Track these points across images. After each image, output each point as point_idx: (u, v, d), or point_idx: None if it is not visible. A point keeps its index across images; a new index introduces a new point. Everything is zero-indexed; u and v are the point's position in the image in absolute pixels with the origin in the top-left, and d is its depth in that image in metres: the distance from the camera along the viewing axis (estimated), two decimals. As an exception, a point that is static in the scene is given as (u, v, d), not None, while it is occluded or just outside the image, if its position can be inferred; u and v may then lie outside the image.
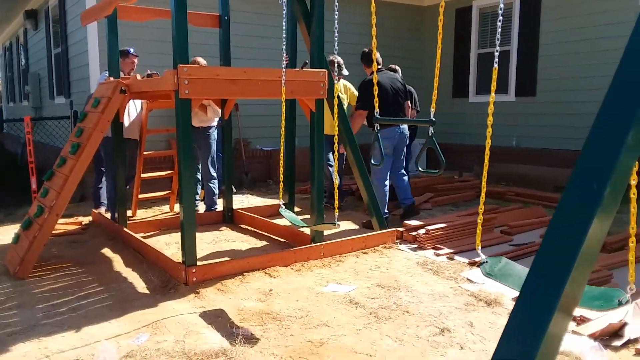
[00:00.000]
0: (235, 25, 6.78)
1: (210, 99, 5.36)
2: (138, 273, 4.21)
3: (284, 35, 3.72)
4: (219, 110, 5.64)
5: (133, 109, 5.57)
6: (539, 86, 8.78)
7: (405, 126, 5.79)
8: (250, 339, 3.04)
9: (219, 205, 6.16)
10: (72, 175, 4.20)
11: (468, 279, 3.99)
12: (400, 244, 4.97)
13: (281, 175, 3.89)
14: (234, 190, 7.41)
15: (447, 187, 7.22)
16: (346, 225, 5.72)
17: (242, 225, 5.78)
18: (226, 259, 4.24)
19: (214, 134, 5.98)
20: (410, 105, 6.12)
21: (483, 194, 2.38)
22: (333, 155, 6.58)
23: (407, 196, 5.91)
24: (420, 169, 2.99)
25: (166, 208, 6.65)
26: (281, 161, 3.87)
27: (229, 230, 5.62)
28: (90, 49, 7.26)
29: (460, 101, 10.13)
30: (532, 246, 4.72)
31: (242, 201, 7.15)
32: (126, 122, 5.50)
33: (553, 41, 8.47)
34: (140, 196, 6.13)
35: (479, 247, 2.56)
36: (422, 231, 4.86)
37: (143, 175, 5.99)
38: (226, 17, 5.40)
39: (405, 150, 5.96)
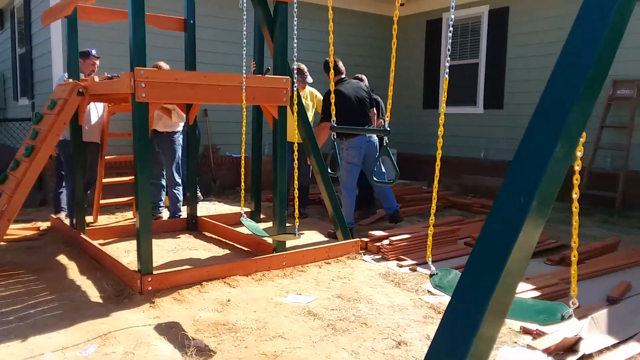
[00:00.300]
0: (204, 29, 6.72)
1: (169, 103, 5.25)
2: (92, 281, 4.08)
3: (244, 41, 3.67)
4: (184, 115, 5.55)
5: (94, 112, 5.44)
6: (506, 99, 8.89)
7: (373, 135, 5.77)
8: (203, 351, 2.95)
9: (184, 212, 6.04)
10: (25, 179, 4.06)
11: (429, 291, 3.97)
12: (364, 254, 4.94)
13: (242, 184, 3.83)
14: (201, 197, 7.31)
15: (414, 197, 7.22)
16: (312, 235, 5.67)
17: (206, 233, 5.68)
18: (185, 267, 4.14)
19: (179, 139, 5.87)
20: (376, 113, 6.11)
21: (434, 205, 2.35)
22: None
23: (390, 205, 5.86)
24: (375, 178, 2.95)
25: (130, 214, 6.50)
26: (242, 169, 3.80)
27: (191, 238, 5.50)
28: (53, 50, 7.09)
29: (431, 112, 10.20)
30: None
31: (208, 208, 7.04)
32: (87, 125, 5.37)
33: (520, 55, 8.60)
34: (102, 201, 5.98)
35: (430, 259, 2.54)
36: (385, 242, 4.83)
37: (105, 180, 5.84)
38: (192, 21, 5.32)
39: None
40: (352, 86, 5.75)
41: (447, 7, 9.71)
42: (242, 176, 3.80)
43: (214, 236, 5.56)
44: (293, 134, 6.29)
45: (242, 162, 3.81)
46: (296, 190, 3.68)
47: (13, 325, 3.28)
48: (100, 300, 3.71)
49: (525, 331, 3.29)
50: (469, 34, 9.40)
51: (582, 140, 1.95)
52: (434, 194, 2.33)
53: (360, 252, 4.94)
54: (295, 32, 3.31)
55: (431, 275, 2.50)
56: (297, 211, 3.69)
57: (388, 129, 2.75)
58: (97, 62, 5.52)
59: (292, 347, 3.03)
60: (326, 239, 5.47)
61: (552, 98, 1.33)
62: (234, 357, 2.91)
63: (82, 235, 4.84)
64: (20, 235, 5.28)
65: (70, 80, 4.74)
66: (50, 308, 3.56)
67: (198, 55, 5.42)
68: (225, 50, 8.02)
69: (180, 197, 5.95)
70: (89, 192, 5.72)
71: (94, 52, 5.51)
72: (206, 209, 6.95)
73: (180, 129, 5.87)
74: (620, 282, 4.06)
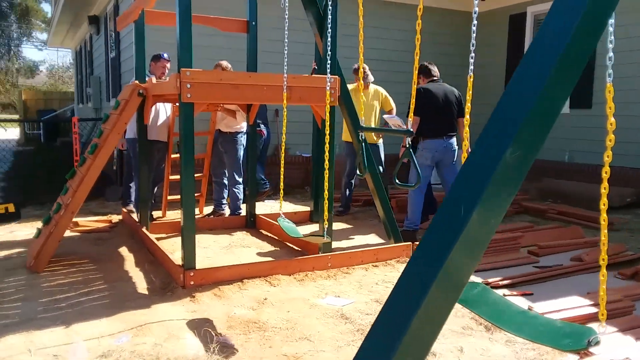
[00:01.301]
0: (265, 30, 6.77)
1: (215, 103, 5.36)
2: (144, 273, 4.27)
3: (286, 40, 3.66)
4: (245, 116, 5.67)
5: (163, 112, 5.70)
6: (595, 98, 8.24)
7: (452, 139, 5.57)
8: (227, 348, 2.99)
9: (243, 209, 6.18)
10: (88, 175, 4.32)
11: (475, 301, 3.75)
12: (416, 258, 4.77)
13: (281, 184, 3.83)
14: (266, 195, 7.47)
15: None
16: (369, 237, 5.59)
17: (263, 231, 5.76)
18: (230, 264, 4.21)
19: (241, 139, 6.00)
20: (465, 123, 5.86)
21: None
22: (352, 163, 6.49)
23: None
24: (397, 181, 2.82)
25: (197, 210, 6.74)
26: (281, 169, 3.80)
27: (247, 236, 5.61)
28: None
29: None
30: (557, 269, 4.40)
31: (272, 207, 7.14)
32: (155, 125, 5.63)
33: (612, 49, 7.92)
34: (170, 198, 6.25)
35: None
36: (438, 246, 4.64)
37: (172, 177, 6.10)
38: (253, 23, 5.41)
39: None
40: (443, 89, 5.60)
41: (532, 0, 9.19)
42: (281, 175, 3.80)
43: (269, 234, 5.63)
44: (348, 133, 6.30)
45: (282, 161, 3.80)
46: (326, 192, 3.61)
47: (63, 311, 3.50)
48: (147, 292, 3.87)
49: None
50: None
51: (609, 143, 1.75)
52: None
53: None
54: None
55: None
56: (326, 212, 3.62)
57: (410, 129, 2.62)
58: (168, 65, 5.77)
59: (316, 349, 2.98)
60: (381, 241, 5.36)
61: (509, 100, 1.19)
62: (256, 356, 2.91)
63: (143, 229, 5.08)
64: (93, 227, 5.65)
65: (137, 81, 5.00)
66: (100, 297, 3.77)
67: (264, 56, 5.50)
68: (292, 50, 8.03)
69: (240, 195, 6.08)
70: (157, 188, 6.00)
71: (165, 55, 5.77)
72: (270, 207, 7.06)
73: (243, 129, 6.00)
74: (699, 303, 3.61)
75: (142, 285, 4.01)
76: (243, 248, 5.11)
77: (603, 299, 1.88)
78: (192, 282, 3.83)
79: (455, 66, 10.06)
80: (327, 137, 3.98)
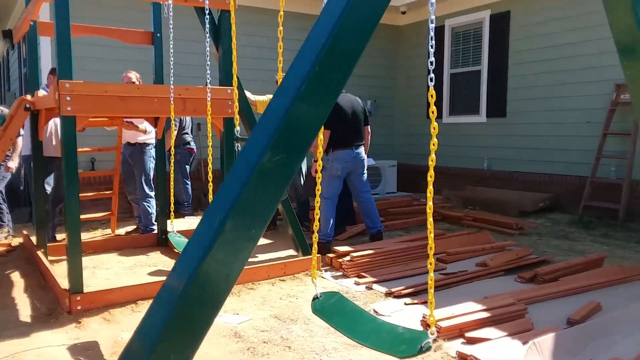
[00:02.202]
0: (179, 42, 6.60)
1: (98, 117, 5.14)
2: (31, 299, 4.00)
3: (171, 51, 3.54)
4: (153, 129, 5.47)
5: (62, 128, 5.41)
6: (509, 107, 8.52)
7: (360, 149, 5.57)
8: (103, 376, 2.80)
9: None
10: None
11: (375, 311, 3.72)
12: (326, 271, 4.71)
13: (172, 197, 3.68)
14: (188, 211, 7.26)
15: (401, 210, 6.94)
16: (290, 252, 5.48)
17: (175, 250, 5.55)
18: (124, 285, 4.01)
19: (151, 151, 5.80)
20: (370, 132, 5.87)
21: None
22: None
23: (373, 225, 5.62)
24: None
25: (110, 230, 6.46)
26: (171, 182, 3.66)
27: (157, 254, 5.39)
28: (43, 68, 7.17)
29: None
30: (461, 275, 4.44)
31: (192, 223, 6.93)
32: (54, 141, 5.36)
33: (522, 60, 8.23)
34: (82, 217, 5.93)
35: (315, 281, 2.32)
36: (346, 258, 4.60)
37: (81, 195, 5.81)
38: (158, 34, 5.25)
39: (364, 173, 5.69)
40: (349, 99, 5.58)
41: (450, 14, 9.44)
42: (172, 190, 3.65)
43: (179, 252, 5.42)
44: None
45: (172, 175, 3.65)
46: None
47: None
48: (29, 320, 3.61)
49: (461, 356, 3.01)
50: (471, 40, 9.09)
51: (433, 147, 1.75)
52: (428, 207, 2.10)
53: (322, 269, 4.72)
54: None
55: (314, 299, 2.29)
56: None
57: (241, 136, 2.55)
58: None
59: (199, 372, 2.84)
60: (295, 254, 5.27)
61: (270, 106, 1.13)
62: (133, 382, 2.73)
63: (39, 252, 4.79)
64: (-12, 252, 5.28)
65: (29, 96, 4.73)
66: (-24, 327, 3.48)
67: (180, 69, 5.30)
68: (199, 62, 7.80)
69: (152, 210, 5.86)
70: (59, 207, 5.69)
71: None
72: (189, 224, 6.84)
73: (152, 141, 5.79)
74: (588, 303, 3.71)
75: (25, 312, 3.74)
76: (149, 267, 4.90)
77: (432, 303, 1.86)
78: (79, 307, 3.60)
79: (381, 78, 10.23)
80: (210, 149, 3.85)
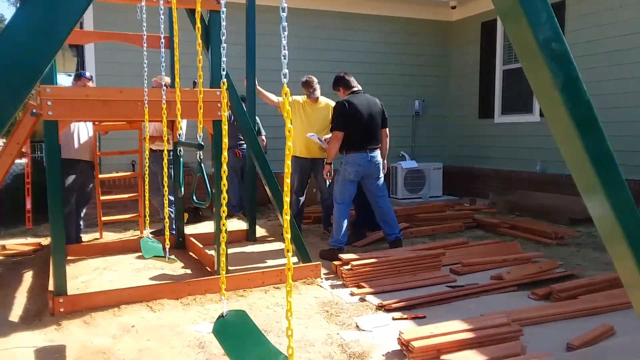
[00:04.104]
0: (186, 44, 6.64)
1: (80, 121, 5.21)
2: (27, 300, 4.10)
3: (144, 53, 3.49)
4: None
5: (84, 131, 5.58)
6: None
7: (375, 152, 5.32)
8: (52, 382, 2.79)
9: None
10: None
11: (357, 325, 3.47)
12: (327, 279, 4.51)
13: (146, 201, 3.64)
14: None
15: (432, 216, 6.56)
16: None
17: (191, 253, 5.56)
18: (110, 288, 4.01)
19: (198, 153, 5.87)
20: (388, 134, 5.60)
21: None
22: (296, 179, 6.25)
23: (391, 231, 5.38)
24: (194, 199, 2.60)
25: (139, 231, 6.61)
26: (146, 186, 3.61)
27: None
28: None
29: (486, 122, 9.33)
30: (469, 289, 4.08)
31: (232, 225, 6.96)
32: (77, 144, 5.53)
33: (579, 54, 7.56)
34: (104, 219, 6.12)
35: (223, 297, 2.16)
36: (347, 267, 4.37)
37: (103, 197, 5.98)
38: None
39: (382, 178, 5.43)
40: (367, 99, 5.36)
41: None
42: (146, 197, 3.61)
43: (194, 256, 5.43)
44: (300, 147, 6.07)
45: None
46: (166, 209, 3.37)
47: None
48: (16, 320, 3.69)
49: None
50: (523, 34, 8.48)
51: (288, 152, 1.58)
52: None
53: (323, 277, 4.52)
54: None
55: (218, 318, 2.12)
56: (167, 232, 3.39)
57: (202, 143, 2.40)
58: (90, 84, 5.66)
59: (146, 383, 2.76)
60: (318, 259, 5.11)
61: None
62: (78, 390, 2.70)
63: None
64: (16, 251, 5.53)
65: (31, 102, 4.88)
66: (-34, 325, 3.61)
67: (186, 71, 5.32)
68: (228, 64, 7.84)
69: (172, 215, 5.90)
70: (84, 209, 5.87)
71: (87, 74, 5.67)
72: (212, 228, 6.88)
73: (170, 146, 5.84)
74: (599, 326, 3.26)
75: (16, 313, 3.83)
76: (155, 271, 4.90)
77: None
78: (61, 309, 3.65)
79: (431, 77, 9.83)
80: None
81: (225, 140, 2.17)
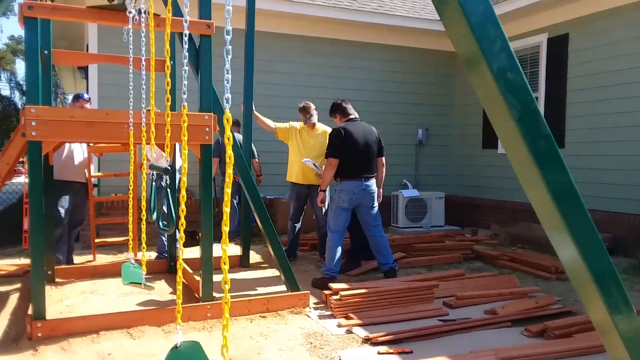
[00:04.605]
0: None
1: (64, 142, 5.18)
2: (9, 322, 4.03)
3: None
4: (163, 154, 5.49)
5: (79, 152, 5.57)
6: (567, 137, 7.76)
7: (370, 181, 5.25)
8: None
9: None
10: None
11: (340, 359, 3.35)
12: (316, 309, 4.40)
13: (130, 225, 3.58)
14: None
15: (430, 246, 6.43)
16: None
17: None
18: (91, 313, 3.93)
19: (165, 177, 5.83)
20: (384, 163, 5.53)
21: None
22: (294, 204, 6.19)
23: (385, 261, 5.28)
24: (160, 224, 2.53)
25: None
26: (130, 209, 3.56)
27: (160, 283, 5.31)
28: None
29: (490, 152, 9.24)
30: (460, 323, 3.95)
31: (219, 251, 6.86)
32: (71, 165, 5.52)
33: (582, 87, 7.49)
34: (97, 240, 6.07)
35: (179, 327, 2.07)
36: (335, 297, 4.26)
37: (96, 220, 5.94)
38: (171, 62, 5.27)
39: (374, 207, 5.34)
40: (363, 128, 5.32)
41: (508, 37, 8.85)
42: (130, 216, 3.55)
43: (184, 281, 5.33)
44: (297, 173, 6.02)
45: (131, 204, 3.55)
46: (144, 234, 3.31)
47: None
48: (-7, 344, 3.62)
49: None
50: (528, 65, 8.45)
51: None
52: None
53: (312, 307, 4.41)
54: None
55: (172, 349, 2.03)
56: (143, 256, 3.32)
57: (169, 167, 2.35)
58: (87, 105, 5.68)
59: (112, 415, 2.65)
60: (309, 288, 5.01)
61: None
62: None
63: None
64: (6, 271, 5.48)
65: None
66: (-58, 348, 3.54)
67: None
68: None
69: (165, 238, 5.85)
70: (77, 230, 5.83)
71: (86, 96, 5.70)
72: (218, 251, 6.78)
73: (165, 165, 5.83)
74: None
75: (-5, 336, 3.76)
76: (142, 296, 4.81)
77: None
78: (39, 334, 3.56)
79: (436, 106, 9.81)
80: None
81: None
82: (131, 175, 3.71)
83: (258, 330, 3.91)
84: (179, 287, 2.12)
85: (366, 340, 3.67)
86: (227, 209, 1.44)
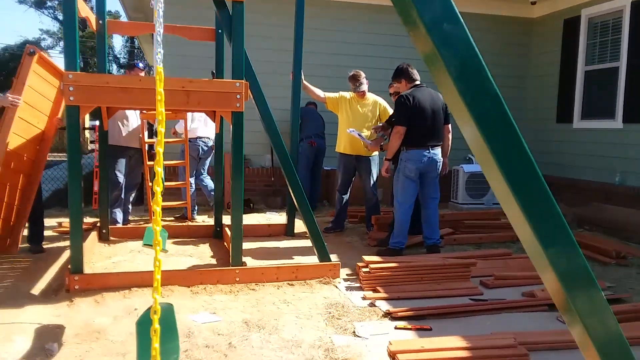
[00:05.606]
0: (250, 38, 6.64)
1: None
2: (55, 275, 4.32)
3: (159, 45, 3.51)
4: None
5: (134, 119, 5.80)
6: (652, 111, 7.08)
7: (437, 150, 5.08)
8: (46, 358, 2.90)
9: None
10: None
11: (354, 332, 3.30)
12: (345, 280, 4.35)
13: (151, 195, 3.67)
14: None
15: (481, 223, 6.15)
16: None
17: (225, 243, 5.61)
18: (120, 271, 4.13)
19: (193, 145, 6.26)
20: (450, 130, 5.32)
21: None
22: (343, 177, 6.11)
23: (431, 235, 5.15)
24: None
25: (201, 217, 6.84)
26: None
27: (204, 247, 5.47)
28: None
29: (564, 127, 8.63)
30: (493, 304, 3.77)
31: (270, 219, 6.99)
32: (127, 131, 5.76)
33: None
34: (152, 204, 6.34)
35: (157, 296, 2.08)
36: (365, 269, 4.18)
37: (151, 184, 6.20)
38: (220, 31, 5.34)
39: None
40: (430, 94, 5.15)
41: (587, 2, 8.16)
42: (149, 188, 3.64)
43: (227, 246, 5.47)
44: (345, 144, 5.94)
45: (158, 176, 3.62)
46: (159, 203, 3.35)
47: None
48: (36, 294, 3.89)
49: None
50: (609, 32, 7.75)
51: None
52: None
53: (342, 278, 4.37)
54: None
55: (146, 311, 2.05)
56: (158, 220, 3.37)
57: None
58: (142, 74, 5.87)
59: (121, 367, 2.78)
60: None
61: None
62: (57, 367, 2.78)
63: (94, 232, 5.19)
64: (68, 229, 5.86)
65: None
66: (-8, 293, 3.85)
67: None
68: (275, 59, 7.54)
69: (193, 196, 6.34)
70: (132, 194, 6.12)
71: (141, 64, 5.90)
72: (268, 219, 6.92)
73: (193, 136, 6.28)
74: None
75: (41, 286, 4.04)
76: (183, 257, 4.99)
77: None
78: (76, 287, 3.79)
79: (508, 77, 9.26)
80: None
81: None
82: (144, 145, 3.79)
83: (282, 297, 3.94)
84: (158, 258, 2.13)
85: (386, 315, 3.59)
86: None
